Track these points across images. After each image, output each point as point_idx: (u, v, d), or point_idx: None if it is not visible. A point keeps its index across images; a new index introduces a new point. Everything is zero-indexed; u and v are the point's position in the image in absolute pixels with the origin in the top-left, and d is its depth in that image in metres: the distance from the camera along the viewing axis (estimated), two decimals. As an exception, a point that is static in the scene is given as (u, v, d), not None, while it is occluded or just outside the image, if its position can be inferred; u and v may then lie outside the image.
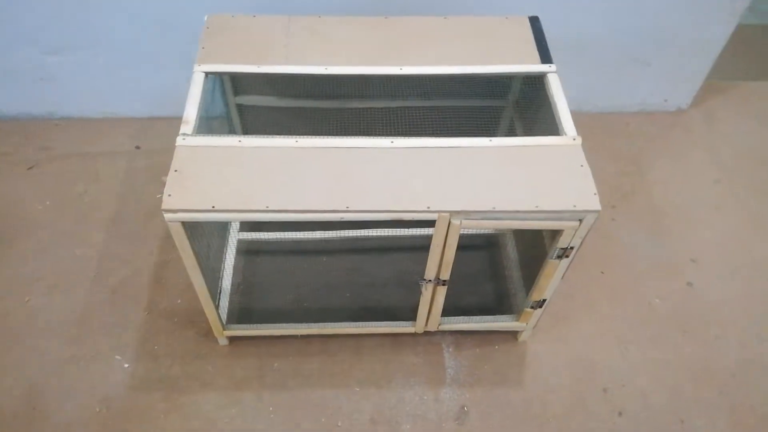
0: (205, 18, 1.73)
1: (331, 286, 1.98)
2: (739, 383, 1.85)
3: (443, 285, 1.59)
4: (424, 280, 1.57)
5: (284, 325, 1.82)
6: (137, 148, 2.39)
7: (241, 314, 1.88)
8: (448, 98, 1.80)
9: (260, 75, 1.60)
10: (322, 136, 1.43)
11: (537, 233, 1.67)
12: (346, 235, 2.01)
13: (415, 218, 1.34)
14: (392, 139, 1.44)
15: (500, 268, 2.02)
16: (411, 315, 1.80)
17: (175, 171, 1.37)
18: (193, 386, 1.78)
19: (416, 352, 1.88)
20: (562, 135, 1.48)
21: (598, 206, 1.34)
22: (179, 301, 1.96)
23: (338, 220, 1.33)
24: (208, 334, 1.86)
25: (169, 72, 2.31)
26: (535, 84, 1.64)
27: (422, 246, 1.51)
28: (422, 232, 1.98)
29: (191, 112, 1.49)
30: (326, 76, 1.59)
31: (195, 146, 1.42)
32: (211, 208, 1.31)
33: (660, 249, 2.17)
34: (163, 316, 1.92)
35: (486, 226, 1.36)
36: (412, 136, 1.44)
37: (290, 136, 1.44)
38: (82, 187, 2.25)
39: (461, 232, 1.38)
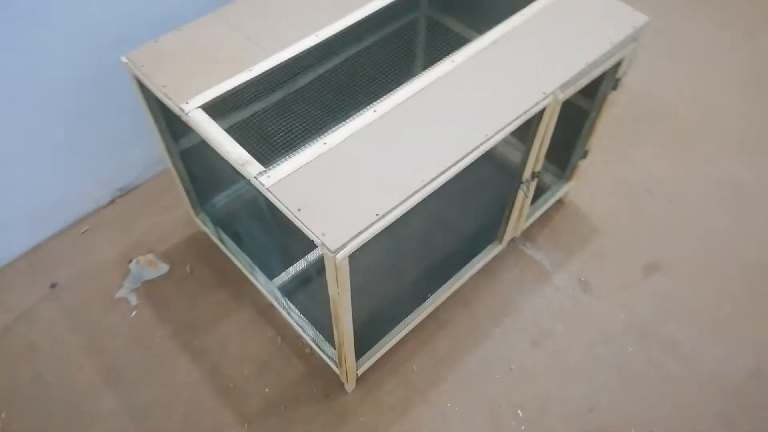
0: (124, 59, 1.32)
1: (390, 272, 1.79)
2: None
3: (536, 178, 1.56)
4: (524, 182, 1.52)
5: (400, 326, 1.61)
6: (53, 286, 1.79)
7: (362, 343, 1.61)
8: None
9: (255, 81, 1.30)
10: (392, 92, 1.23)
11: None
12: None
13: (537, 110, 1.27)
14: (452, 59, 1.31)
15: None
16: (487, 240, 1.75)
17: (299, 210, 1.07)
18: (364, 448, 1.51)
19: (509, 266, 1.84)
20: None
21: (646, 18, 1.42)
22: (267, 389, 1.60)
23: (482, 152, 1.20)
24: (327, 392, 1.58)
25: (40, 177, 1.74)
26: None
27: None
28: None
29: (239, 152, 1.16)
30: (323, 42, 1.36)
31: (285, 176, 1.11)
32: (376, 217, 1.07)
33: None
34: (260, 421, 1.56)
35: (580, 87, 1.35)
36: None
37: (367, 109, 1.22)
38: (29, 372, 1.63)
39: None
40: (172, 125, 1.49)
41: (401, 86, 1.26)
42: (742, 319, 1.74)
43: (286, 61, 1.32)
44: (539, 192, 1.90)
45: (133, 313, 1.74)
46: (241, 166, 1.14)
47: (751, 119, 2.26)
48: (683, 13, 2.67)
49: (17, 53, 1.49)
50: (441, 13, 1.75)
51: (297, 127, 1.36)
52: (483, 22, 1.45)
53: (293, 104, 1.44)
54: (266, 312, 1.74)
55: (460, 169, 1.17)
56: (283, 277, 1.70)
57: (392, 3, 1.46)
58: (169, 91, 1.25)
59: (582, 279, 1.83)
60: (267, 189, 1.10)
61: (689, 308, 1.76)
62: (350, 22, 1.39)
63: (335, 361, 1.52)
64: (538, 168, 1.53)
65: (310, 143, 1.17)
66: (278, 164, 1.13)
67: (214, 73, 1.29)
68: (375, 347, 1.56)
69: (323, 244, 1.03)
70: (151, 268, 1.83)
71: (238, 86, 1.27)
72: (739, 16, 2.66)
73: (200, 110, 1.22)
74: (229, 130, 1.20)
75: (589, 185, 2.04)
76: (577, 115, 1.70)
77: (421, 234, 1.86)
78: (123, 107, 1.80)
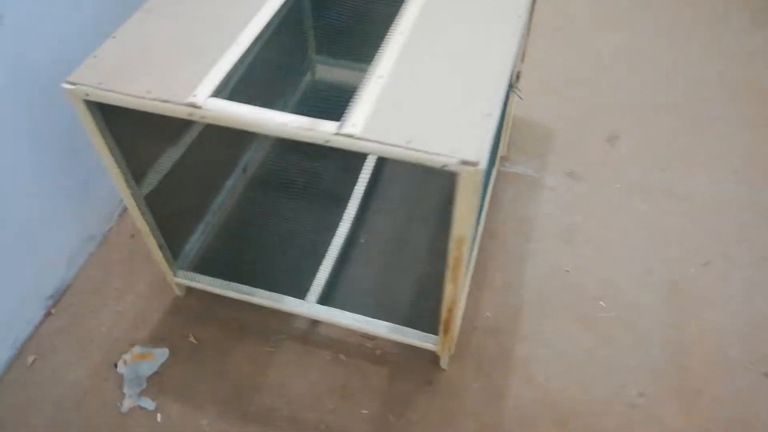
0: (67, 86, 1.02)
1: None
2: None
3: (518, 80, 1.55)
4: (512, 84, 1.50)
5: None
6: (34, 441, 1.33)
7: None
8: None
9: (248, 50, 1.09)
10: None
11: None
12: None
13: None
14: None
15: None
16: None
17: (410, 142, 0.91)
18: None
19: (504, 190, 1.82)
20: None
21: None
22: (364, 411, 1.37)
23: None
24: (429, 378, 1.40)
25: None
26: None
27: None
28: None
29: (294, 118, 0.95)
30: (291, -1, 1.19)
31: (367, 120, 0.94)
32: (488, 115, 0.95)
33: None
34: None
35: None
36: None
37: (391, 33, 1.09)
38: None
39: None
40: (130, 158, 1.19)
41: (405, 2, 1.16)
42: (700, 144, 1.94)
43: (269, 21, 1.13)
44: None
45: (159, 417, 1.37)
46: (309, 130, 0.94)
47: None
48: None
49: None
50: None
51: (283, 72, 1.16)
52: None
53: (265, 58, 1.23)
54: (310, 336, 1.50)
55: (519, 52, 1.10)
56: (317, 286, 1.47)
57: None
58: (160, 95, 0.99)
59: (567, 171, 1.88)
60: (359, 138, 0.92)
61: (663, 155, 1.91)
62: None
63: (429, 340, 1.35)
64: (520, 67, 1.52)
65: (365, 83, 1.01)
66: (348, 114, 0.95)
67: (199, 60, 1.05)
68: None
69: (462, 161, 0.89)
70: (146, 360, 1.46)
71: (237, 62, 1.05)
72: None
73: (214, 99, 0.98)
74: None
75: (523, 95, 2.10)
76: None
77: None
78: (25, 187, 1.41)
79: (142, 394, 1.40)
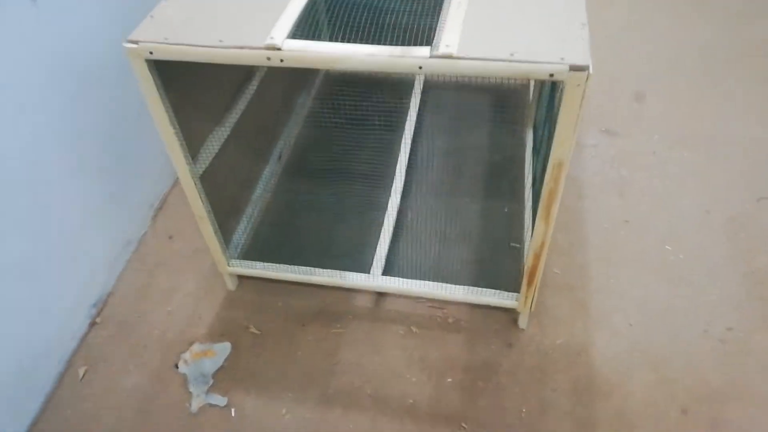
0: (130, 45, 0.95)
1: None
2: None
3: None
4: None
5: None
6: (101, 453, 1.21)
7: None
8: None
9: None
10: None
11: None
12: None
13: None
14: None
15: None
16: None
17: (513, 54, 0.86)
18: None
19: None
20: None
21: None
22: (449, 379, 1.29)
23: None
24: (509, 341, 1.34)
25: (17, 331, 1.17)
26: None
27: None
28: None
29: (384, 48, 0.90)
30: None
31: (460, 39, 0.90)
32: (582, 25, 0.91)
33: None
34: None
35: None
36: None
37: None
38: None
39: None
40: (188, 133, 1.13)
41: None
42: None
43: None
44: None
45: (233, 412, 1.27)
46: (401, 58, 0.89)
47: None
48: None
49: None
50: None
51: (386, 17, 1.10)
52: None
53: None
54: (376, 314, 1.42)
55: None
56: (379, 260, 1.41)
57: None
58: (234, 42, 0.93)
59: (603, 129, 1.86)
60: (457, 58, 0.87)
61: (690, 108, 1.91)
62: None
63: (510, 297, 1.29)
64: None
65: (446, 9, 0.96)
66: (438, 39, 0.91)
67: (266, 9, 0.99)
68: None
69: (572, 66, 0.85)
70: (207, 357, 1.36)
71: (306, 6, 1.00)
72: None
73: (293, 40, 0.93)
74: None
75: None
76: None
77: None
78: (64, 197, 1.32)
79: (210, 390, 1.30)
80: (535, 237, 1.13)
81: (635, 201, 1.64)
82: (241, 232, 1.49)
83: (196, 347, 1.38)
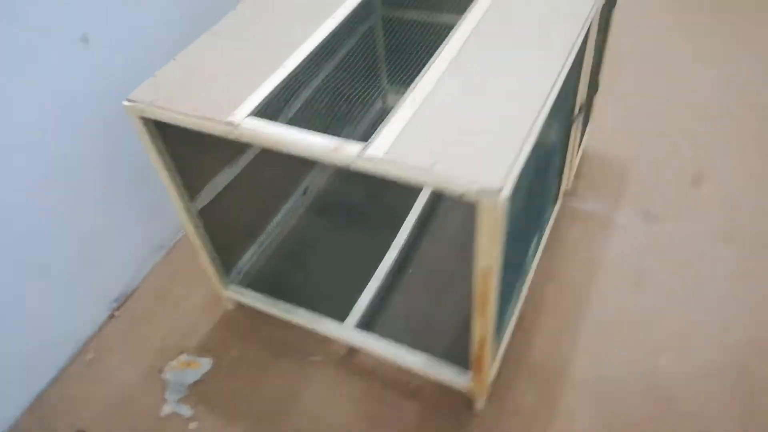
0: (127, 103, 1.10)
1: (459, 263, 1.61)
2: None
3: (582, 111, 1.48)
4: (575, 114, 1.43)
5: (508, 315, 1.42)
6: (81, 434, 1.41)
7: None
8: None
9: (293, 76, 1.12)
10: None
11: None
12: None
13: (592, 16, 1.19)
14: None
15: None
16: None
17: (435, 164, 0.88)
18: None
19: (569, 227, 1.71)
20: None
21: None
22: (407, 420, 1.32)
23: (575, 48, 1.09)
24: (460, 416, 1.33)
25: (28, 311, 1.40)
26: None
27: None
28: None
29: (322, 140, 0.96)
30: (343, 22, 1.22)
31: (393, 143, 0.93)
32: (521, 141, 0.91)
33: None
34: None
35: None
36: None
37: (435, 59, 1.07)
38: None
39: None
40: (185, 173, 1.26)
41: (454, 30, 1.14)
42: (800, 194, 1.73)
43: (315, 49, 1.16)
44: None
45: (192, 425, 1.40)
46: (335, 151, 0.94)
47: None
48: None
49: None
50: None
51: (353, 99, 1.17)
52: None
53: (335, 84, 1.26)
54: (346, 362, 1.48)
55: (563, 78, 1.05)
56: (357, 312, 1.46)
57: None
58: (204, 113, 1.04)
59: (642, 211, 1.74)
60: (382, 160, 0.91)
61: (753, 201, 1.73)
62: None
63: (462, 376, 1.29)
64: (583, 100, 1.45)
65: (399, 105, 1.00)
66: (375, 137, 0.95)
67: (245, 82, 1.09)
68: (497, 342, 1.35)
69: (482, 190, 0.85)
70: (191, 369, 1.51)
71: (279, 85, 1.08)
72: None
73: (252, 117, 1.02)
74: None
75: (597, 131, 2.00)
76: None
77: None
78: (100, 198, 1.52)
79: (181, 400, 1.45)
80: (475, 332, 1.12)
81: (650, 297, 1.53)
82: (248, 259, 1.62)
83: (183, 357, 1.54)
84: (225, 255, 1.50)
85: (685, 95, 2.10)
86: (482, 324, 1.10)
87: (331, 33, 1.19)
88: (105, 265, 1.60)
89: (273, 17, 1.26)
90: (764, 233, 1.64)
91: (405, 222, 1.68)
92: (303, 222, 1.76)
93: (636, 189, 1.81)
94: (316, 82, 1.49)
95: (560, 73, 1.04)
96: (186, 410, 1.43)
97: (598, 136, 1.97)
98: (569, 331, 1.49)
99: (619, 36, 2.39)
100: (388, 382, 1.43)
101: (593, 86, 1.73)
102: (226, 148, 1.44)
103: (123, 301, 1.68)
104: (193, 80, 1.13)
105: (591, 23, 1.23)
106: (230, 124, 1.01)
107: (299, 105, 1.43)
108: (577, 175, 1.86)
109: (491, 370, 1.27)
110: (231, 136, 1.03)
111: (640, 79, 2.19)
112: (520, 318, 1.51)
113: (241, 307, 1.62)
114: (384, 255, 1.60)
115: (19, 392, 1.45)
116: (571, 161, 1.57)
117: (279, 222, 1.73)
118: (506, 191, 0.85)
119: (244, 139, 1.02)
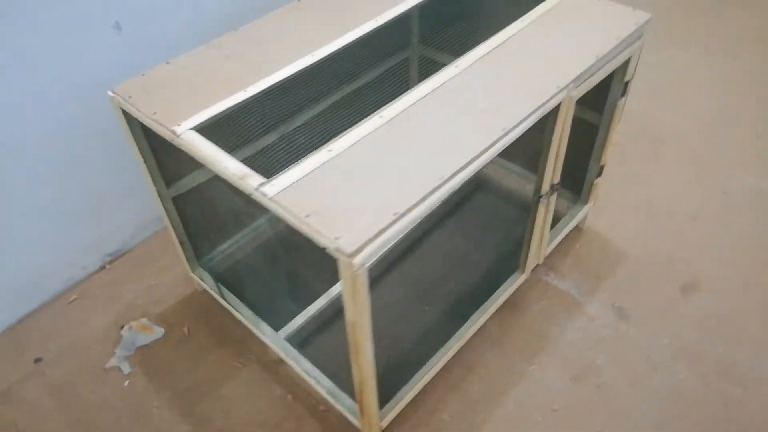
0: (111, 93, 1.25)
1: (407, 313, 1.64)
2: None
3: (556, 192, 1.46)
4: (543, 195, 1.42)
5: (425, 369, 1.44)
6: (38, 360, 1.62)
7: (385, 389, 1.41)
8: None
9: (251, 101, 1.23)
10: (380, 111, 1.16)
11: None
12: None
13: (552, 105, 1.19)
14: (456, 64, 1.25)
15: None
16: (509, 269, 1.63)
17: (308, 216, 0.95)
18: None
19: (535, 299, 1.69)
20: (552, -4, 1.48)
21: (647, 14, 1.38)
22: (280, 456, 1.40)
23: (502, 146, 1.10)
24: (354, 453, 1.38)
25: (23, 244, 1.62)
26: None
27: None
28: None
29: (237, 166, 1.06)
30: (320, 61, 1.30)
31: (290, 185, 1.01)
32: (394, 217, 0.95)
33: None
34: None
35: (591, 84, 1.29)
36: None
37: (373, 115, 1.13)
38: (4, 459, 1.43)
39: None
40: (163, 163, 1.40)
41: (407, 92, 1.19)
42: (798, 332, 1.58)
43: (282, 80, 1.25)
44: (556, 218, 1.79)
45: (126, 383, 1.56)
46: (241, 179, 1.03)
47: (758, 131, 2.20)
48: (665, 45, 2.70)
49: None
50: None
51: (299, 141, 1.27)
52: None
53: (293, 121, 1.36)
54: (274, 368, 1.57)
55: (480, 166, 1.07)
56: (292, 326, 1.55)
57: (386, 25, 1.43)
58: (159, 117, 1.17)
59: (616, 305, 1.67)
60: (270, 199, 0.99)
61: (736, 326, 1.61)
62: (346, 42, 1.34)
63: (356, 414, 1.33)
64: (557, 179, 1.43)
65: (314, 152, 1.07)
66: (281, 174, 1.03)
67: (206, 97, 1.21)
68: (399, 393, 1.38)
69: (338, 249, 0.90)
70: (145, 333, 1.67)
71: (233, 107, 1.19)
72: (720, 42, 2.69)
73: (193, 131, 1.13)
74: (228, 152, 1.11)
75: (606, 210, 1.93)
76: (587, 132, 1.63)
77: (438, 267, 1.74)
78: (112, 162, 1.72)
79: (126, 358, 1.61)
80: (355, 374, 1.17)
81: (583, 394, 1.48)
82: (221, 251, 1.75)
83: (143, 320, 1.70)
84: (197, 242, 1.64)
85: (715, 198, 1.97)
86: (358, 369, 1.14)
87: (303, 69, 1.28)
88: (108, 221, 1.80)
89: (266, 43, 1.37)
90: (733, 364, 1.52)
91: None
92: (281, 234, 1.86)
93: (621, 281, 1.73)
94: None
95: (478, 157, 1.05)
96: (126, 368, 1.59)
97: (605, 218, 1.91)
98: (489, 401, 1.48)
99: (658, 118, 2.28)
100: (303, 398, 1.50)
101: (593, 167, 1.68)
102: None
103: (115, 258, 1.88)
104: (170, 86, 1.26)
105: (561, 107, 1.22)
106: (174, 132, 1.13)
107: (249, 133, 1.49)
108: (565, 253, 1.81)
109: (381, 418, 1.31)
110: (174, 143, 1.15)
111: (671, 169, 2.08)
112: (447, 373, 1.52)
113: (207, 291, 1.76)
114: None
115: (5, 313, 1.68)
116: (541, 237, 1.55)
117: (258, 227, 1.84)
118: (362, 258, 0.90)
119: (184, 148, 1.14)
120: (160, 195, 1.46)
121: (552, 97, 1.18)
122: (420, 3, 1.49)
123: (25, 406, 1.52)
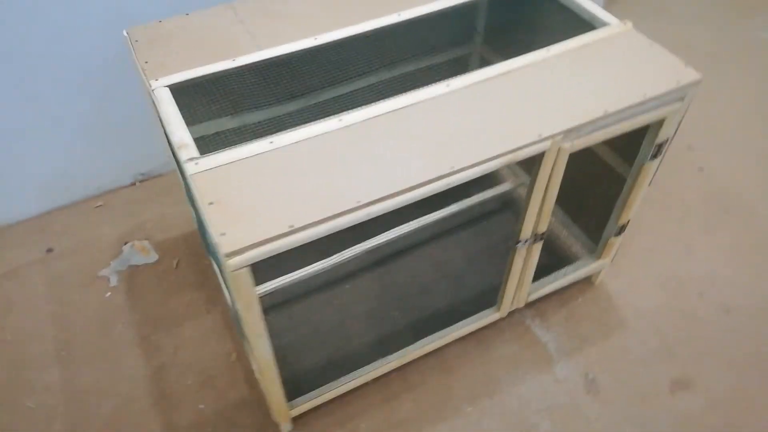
0: (125, 33, 1.32)
1: (374, 313, 1.62)
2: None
3: (540, 240, 1.34)
4: (520, 241, 1.30)
5: (356, 373, 1.43)
6: (49, 251, 1.82)
7: (296, 385, 1.45)
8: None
9: (234, 72, 1.23)
10: (356, 109, 1.11)
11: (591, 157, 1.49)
12: (369, 245, 1.67)
13: (528, 154, 1.07)
14: (447, 83, 1.16)
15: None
16: (486, 303, 1.53)
17: (211, 204, 0.96)
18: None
19: (505, 341, 1.59)
20: (603, 27, 1.31)
21: (697, 75, 1.18)
22: (202, 406, 1.47)
23: (444, 186, 1.02)
24: (263, 427, 1.42)
25: (61, 147, 1.80)
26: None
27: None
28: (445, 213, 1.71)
29: (182, 135, 1.08)
30: (319, 47, 1.27)
31: (213, 168, 1.02)
32: (288, 229, 0.93)
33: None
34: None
35: (595, 140, 1.15)
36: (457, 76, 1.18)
37: (331, 117, 1.10)
38: (-6, 326, 1.64)
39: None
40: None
41: (380, 101, 1.13)
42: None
43: (274, 57, 1.24)
44: (562, 262, 1.65)
45: (108, 294, 1.71)
46: (179, 148, 1.06)
47: None
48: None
49: (45, 21, 1.55)
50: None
51: (260, 127, 1.26)
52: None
53: (263, 104, 1.35)
54: (232, 325, 1.63)
55: (411, 200, 1.00)
56: (261, 288, 1.59)
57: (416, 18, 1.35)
58: (147, 68, 1.22)
59: (590, 376, 1.53)
60: (190, 176, 1.00)
61: (718, 444, 1.41)
62: (352, 33, 1.29)
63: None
64: (543, 229, 1.31)
65: (256, 140, 1.06)
66: (213, 154, 1.04)
67: (195, 57, 1.23)
68: (321, 389, 1.39)
69: (217, 245, 0.91)
70: (142, 254, 1.80)
71: (214, 73, 1.21)
72: None
73: (166, 89, 1.17)
74: (188, 117, 1.13)
75: (630, 271, 1.74)
76: (616, 182, 1.46)
77: (424, 277, 1.69)
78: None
79: (117, 272, 1.76)
80: (255, 365, 1.19)
81: (509, 455, 1.39)
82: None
83: (145, 243, 1.83)
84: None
85: (754, 290, 1.70)
86: (257, 361, 1.16)
87: (299, 50, 1.26)
88: (144, 144, 1.93)
89: (281, 17, 1.35)
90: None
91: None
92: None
93: (607, 352, 1.57)
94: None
95: (406, 192, 0.99)
96: (114, 280, 1.74)
97: (625, 280, 1.72)
98: (412, 426, 1.44)
99: (738, 186, 1.97)
100: (245, 360, 1.56)
101: (611, 224, 1.51)
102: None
103: (146, 178, 2.03)
104: (173, 38, 1.29)
105: (545, 157, 1.10)
106: (150, 86, 1.18)
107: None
108: (563, 302, 1.67)
109: (292, 407, 1.32)
110: (150, 95, 1.19)
111: (722, 241, 1.81)
112: (384, 384, 1.50)
113: (209, 232, 1.85)
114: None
115: (28, 204, 1.89)
116: (519, 283, 1.44)
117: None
118: (239, 261, 0.90)
119: (154, 103, 1.18)
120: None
121: (527, 146, 1.06)
122: (456, 4, 1.39)
123: (24, 286, 1.72)
